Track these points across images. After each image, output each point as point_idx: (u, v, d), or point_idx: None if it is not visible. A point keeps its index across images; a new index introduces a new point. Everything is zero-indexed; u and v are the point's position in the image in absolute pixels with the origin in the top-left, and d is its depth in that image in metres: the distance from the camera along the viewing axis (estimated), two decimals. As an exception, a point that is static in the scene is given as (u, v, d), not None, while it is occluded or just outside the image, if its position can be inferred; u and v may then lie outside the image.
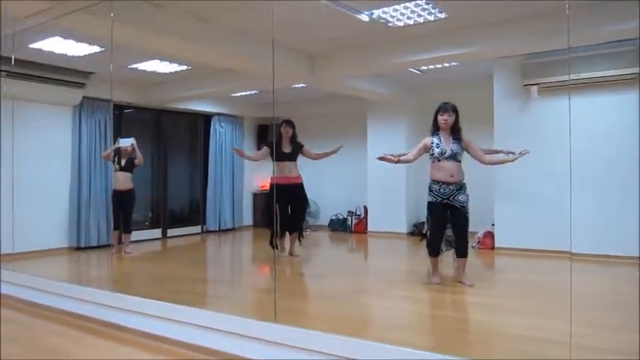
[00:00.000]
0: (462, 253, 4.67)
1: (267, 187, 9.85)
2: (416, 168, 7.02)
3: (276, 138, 6.22)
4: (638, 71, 5.65)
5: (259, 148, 9.84)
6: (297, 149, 6.14)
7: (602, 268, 5.55)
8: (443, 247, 4.75)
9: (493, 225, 6.72)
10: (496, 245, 6.65)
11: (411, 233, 8.20)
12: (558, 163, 5.55)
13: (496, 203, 6.68)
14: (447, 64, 6.53)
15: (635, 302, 4.17)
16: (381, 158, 4.52)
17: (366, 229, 8.63)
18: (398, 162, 4.62)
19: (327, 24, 5.31)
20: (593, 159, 5.83)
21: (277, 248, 5.99)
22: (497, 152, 5.09)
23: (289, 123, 6.17)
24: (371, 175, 8.48)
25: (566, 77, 5.98)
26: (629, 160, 5.58)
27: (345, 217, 9.02)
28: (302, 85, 7.40)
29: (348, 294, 4.71)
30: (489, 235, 6.73)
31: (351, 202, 8.93)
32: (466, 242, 4.64)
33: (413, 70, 6.94)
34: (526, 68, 6.44)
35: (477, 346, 3.22)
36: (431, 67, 6.78)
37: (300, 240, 6.25)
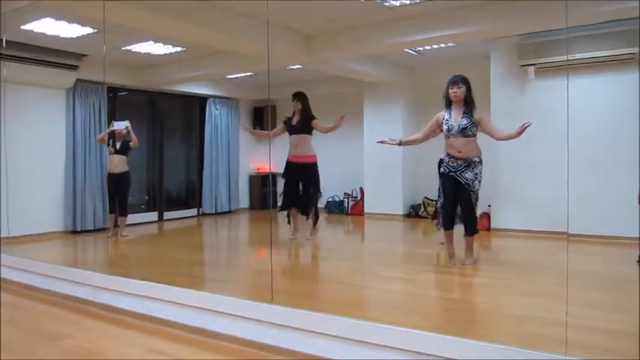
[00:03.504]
0: (466, 230, 4.62)
1: (264, 169, 9.89)
2: (413, 149, 7.01)
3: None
4: (635, 51, 5.62)
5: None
6: (307, 122, 5.91)
7: (601, 248, 5.57)
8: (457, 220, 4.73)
9: (489, 206, 6.73)
10: (492, 226, 6.66)
11: (408, 215, 8.22)
12: (556, 144, 5.55)
13: (493, 185, 6.67)
14: (443, 45, 6.48)
15: (632, 283, 4.21)
16: (381, 142, 4.56)
17: (363, 211, 8.63)
18: (400, 144, 4.65)
19: (323, 3, 5.24)
20: (591, 140, 5.81)
21: (289, 223, 6.09)
22: None
23: (296, 96, 5.99)
24: (367, 157, 8.47)
25: (563, 57, 5.94)
26: (627, 141, 5.57)
27: (342, 199, 9.03)
28: (298, 66, 7.35)
29: (345, 275, 4.72)
30: (485, 216, 6.74)
31: (347, 184, 8.93)
32: (472, 221, 4.57)
33: (409, 50, 6.89)
34: (523, 48, 6.39)
35: (475, 327, 3.23)
36: (427, 47, 6.73)
37: (313, 223, 6.15)
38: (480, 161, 4.55)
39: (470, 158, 4.49)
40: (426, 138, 4.73)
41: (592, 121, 5.87)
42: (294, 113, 6.03)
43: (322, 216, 8.90)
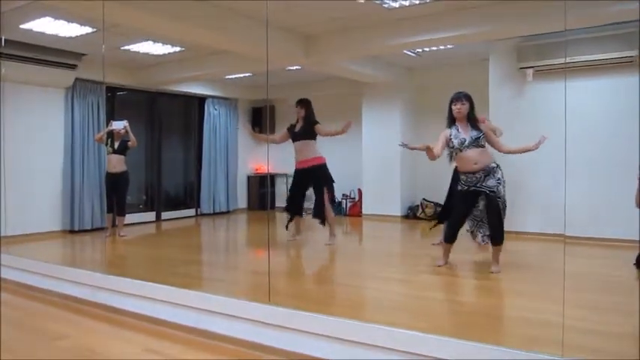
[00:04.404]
0: (495, 240, 4.48)
1: (262, 170, 9.89)
2: (410, 152, 7.00)
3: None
4: (634, 54, 5.63)
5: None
6: (310, 128, 5.85)
7: (598, 250, 5.58)
8: (485, 241, 4.58)
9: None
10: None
11: (406, 216, 8.23)
12: (553, 147, 5.56)
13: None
14: (442, 47, 6.49)
15: (630, 284, 4.22)
16: (404, 145, 4.44)
17: (361, 212, 8.63)
18: (426, 149, 4.40)
19: (322, 4, 5.24)
20: (589, 142, 5.82)
21: (287, 229, 6.04)
22: None
23: (300, 102, 5.95)
24: (366, 158, 8.47)
25: (562, 60, 5.94)
26: (625, 144, 5.57)
27: (340, 200, 9.02)
28: (297, 67, 7.35)
29: (343, 276, 4.73)
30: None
31: (345, 186, 8.91)
32: (499, 229, 4.44)
33: (408, 52, 6.90)
34: (522, 51, 6.40)
35: (473, 329, 3.23)
36: (426, 49, 6.74)
37: (324, 223, 5.97)
38: (498, 166, 4.46)
39: (487, 166, 4.40)
40: (440, 155, 4.51)
41: (590, 123, 5.88)
42: (297, 120, 5.99)
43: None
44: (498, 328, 3.26)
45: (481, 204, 4.50)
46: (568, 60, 5.93)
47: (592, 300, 3.71)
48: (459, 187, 4.57)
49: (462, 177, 4.51)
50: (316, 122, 5.92)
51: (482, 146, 4.44)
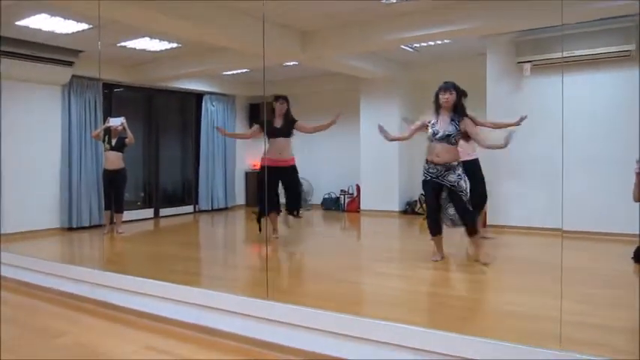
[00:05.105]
0: (468, 231, 4.58)
1: (259, 166, 9.88)
2: (409, 146, 7.02)
3: (270, 115, 5.93)
4: (631, 48, 5.63)
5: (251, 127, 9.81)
6: (291, 125, 5.82)
7: (596, 245, 5.59)
8: (449, 224, 4.68)
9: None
10: (488, 223, 6.66)
11: (404, 212, 8.23)
12: (551, 141, 5.57)
13: (489, 181, 6.67)
14: (439, 41, 6.49)
15: (628, 279, 4.24)
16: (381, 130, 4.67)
17: (359, 207, 8.64)
18: (392, 140, 4.77)
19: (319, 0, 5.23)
20: (586, 136, 5.83)
21: (260, 231, 5.92)
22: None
23: (283, 98, 5.91)
24: (364, 154, 8.48)
25: (559, 54, 5.95)
26: (623, 138, 5.58)
27: (338, 195, 9.03)
28: (294, 62, 7.33)
29: (342, 272, 4.73)
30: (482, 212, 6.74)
31: (343, 181, 8.94)
32: (469, 221, 4.53)
33: (405, 47, 6.89)
34: (519, 45, 6.40)
35: (468, 323, 3.24)
36: (424, 44, 6.73)
37: (295, 214, 6.01)
38: (459, 164, 4.56)
39: (449, 163, 4.51)
40: (410, 137, 4.82)
41: (588, 117, 5.89)
42: (274, 115, 5.87)
43: (319, 213, 8.95)
44: (497, 322, 3.26)
45: (444, 194, 4.60)
46: (565, 54, 5.93)
47: (591, 294, 3.72)
48: (423, 177, 4.68)
49: (425, 166, 4.65)
50: (295, 119, 5.86)
51: (453, 144, 4.51)
